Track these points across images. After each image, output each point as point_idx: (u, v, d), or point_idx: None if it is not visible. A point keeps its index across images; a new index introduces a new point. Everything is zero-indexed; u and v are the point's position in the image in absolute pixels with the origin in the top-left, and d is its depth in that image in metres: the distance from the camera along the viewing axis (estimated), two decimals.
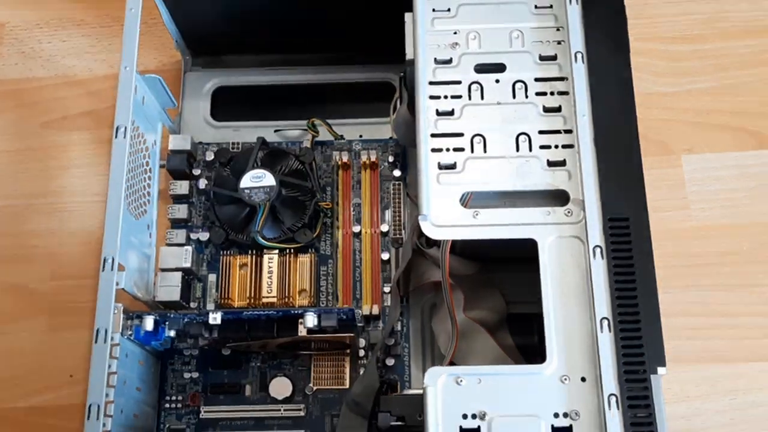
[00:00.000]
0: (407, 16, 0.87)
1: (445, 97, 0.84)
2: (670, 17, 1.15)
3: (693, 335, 0.99)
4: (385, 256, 0.96)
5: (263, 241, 0.91)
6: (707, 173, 1.08)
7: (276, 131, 1.03)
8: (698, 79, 1.12)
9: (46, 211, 1.07)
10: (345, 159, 1.00)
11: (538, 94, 0.84)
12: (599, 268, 0.76)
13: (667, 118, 1.10)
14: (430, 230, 0.79)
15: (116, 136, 0.84)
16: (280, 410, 0.91)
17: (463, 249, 0.87)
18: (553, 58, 0.85)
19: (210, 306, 0.94)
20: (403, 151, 1.00)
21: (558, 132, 0.82)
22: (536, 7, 0.87)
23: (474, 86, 0.84)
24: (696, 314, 1.01)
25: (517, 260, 0.80)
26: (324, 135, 1.01)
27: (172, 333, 0.87)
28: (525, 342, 0.87)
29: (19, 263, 1.04)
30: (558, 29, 0.86)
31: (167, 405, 0.92)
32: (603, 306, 0.75)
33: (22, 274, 1.04)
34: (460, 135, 0.83)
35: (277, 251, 0.93)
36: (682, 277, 1.02)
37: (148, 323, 0.84)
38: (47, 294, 1.03)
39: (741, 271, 1.03)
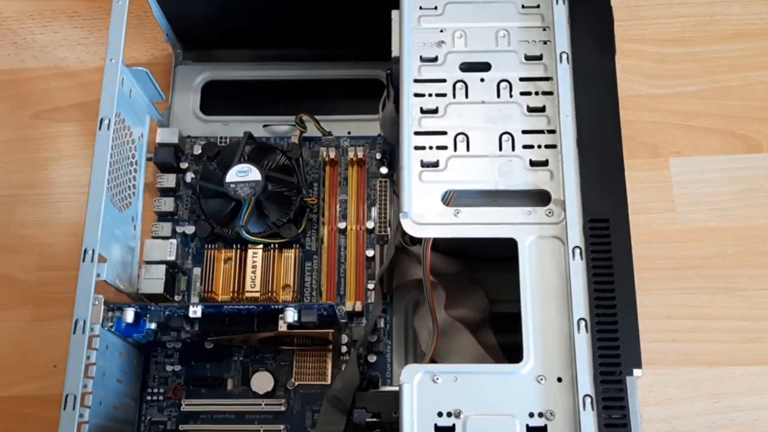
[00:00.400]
0: (394, 13, 0.87)
1: (430, 95, 0.84)
2: (662, 19, 1.15)
3: (676, 338, 0.99)
4: (369, 253, 0.96)
5: (248, 235, 0.91)
6: (695, 176, 1.08)
7: (264, 126, 1.03)
8: (688, 81, 1.12)
9: (34, 202, 1.07)
10: (332, 155, 1.00)
11: (522, 93, 0.84)
12: (578, 269, 0.76)
13: (655, 121, 1.10)
14: (410, 228, 0.79)
15: (100, 128, 0.84)
16: (261, 405, 0.91)
17: (446, 247, 0.87)
18: (539, 57, 0.85)
19: (194, 299, 0.94)
20: (391, 149, 1.00)
21: (541, 132, 0.82)
22: (523, 6, 0.87)
23: (459, 85, 0.85)
24: (680, 317, 1.01)
25: (502, 259, 0.80)
26: (312, 131, 1.01)
27: (153, 325, 0.87)
28: (510, 341, 0.86)
29: (5, 253, 1.05)
30: (544, 29, 0.86)
31: (149, 397, 0.92)
32: (580, 307, 0.75)
33: (9, 263, 1.04)
34: (444, 133, 0.83)
35: (261, 246, 0.93)
36: (666, 280, 1.02)
37: (129, 315, 0.84)
38: (33, 284, 1.03)
39: (726, 274, 1.03)
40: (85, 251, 0.81)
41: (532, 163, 0.81)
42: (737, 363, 0.99)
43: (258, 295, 0.91)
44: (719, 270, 1.03)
